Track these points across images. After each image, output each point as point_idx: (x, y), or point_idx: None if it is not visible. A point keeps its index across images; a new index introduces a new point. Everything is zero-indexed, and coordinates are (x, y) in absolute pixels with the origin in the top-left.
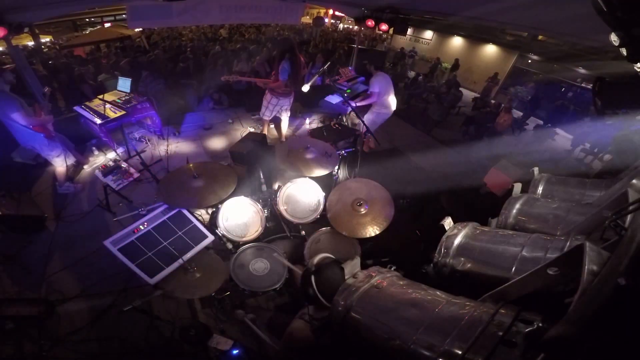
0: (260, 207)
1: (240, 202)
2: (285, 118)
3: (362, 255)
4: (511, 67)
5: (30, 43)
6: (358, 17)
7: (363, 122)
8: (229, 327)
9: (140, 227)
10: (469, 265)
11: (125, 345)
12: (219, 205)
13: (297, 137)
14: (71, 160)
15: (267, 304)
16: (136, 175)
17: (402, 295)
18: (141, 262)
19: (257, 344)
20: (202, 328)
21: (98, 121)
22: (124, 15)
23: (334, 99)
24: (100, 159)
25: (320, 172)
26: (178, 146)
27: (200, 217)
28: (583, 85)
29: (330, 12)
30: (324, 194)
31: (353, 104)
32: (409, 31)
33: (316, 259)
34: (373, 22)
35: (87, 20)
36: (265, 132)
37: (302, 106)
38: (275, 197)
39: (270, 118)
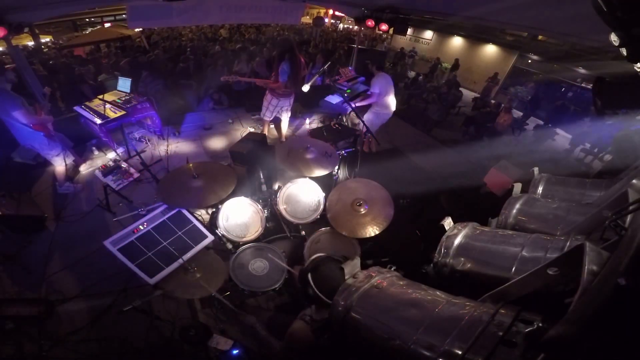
0: (260, 207)
1: (240, 202)
2: (285, 118)
3: (362, 255)
4: (511, 67)
5: (30, 43)
6: (358, 17)
7: (363, 122)
8: (229, 327)
9: (140, 227)
10: (469, 265)
11: (125, 345)
12: (219, 205)
13: (297, 137)
14: (70, 160)
15: (267, 304)
16: (136, 175)
17: (402, 295)
18: (141, 262)
19: (257, 344)
20: (202, 328)
21: (98, 121)
22: (124, 15)
23: (334, 99)
24: (100, 159)
25: (320, 172)
26: (178, 146)
27: (200, 217)
28: (583, 85)
29: (330, 12)
30: (324, 194)
31: (353, 104)
32: (409, 31)
33: (309, 260)
34: (373, 22)
35: (87, 20)
36: (266, 132)
37: (302, 106)
38: (275, 197)
39: (270, 118)
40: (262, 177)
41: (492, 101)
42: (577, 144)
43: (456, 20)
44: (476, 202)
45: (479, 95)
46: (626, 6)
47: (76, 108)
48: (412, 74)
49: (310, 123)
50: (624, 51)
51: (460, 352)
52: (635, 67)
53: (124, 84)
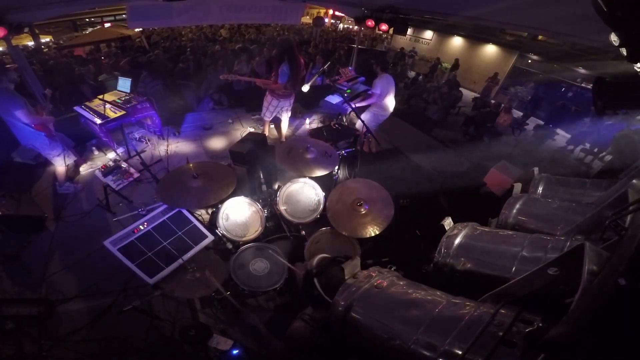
0: (260, 207)
1: (240, 202)
2: (285, 118)
3: (362, 255)
4: (511, 67)
5: (30, 43)
6: (358, 17)
7: (364, 122)
8: (229, 327)
9: (140, 227)
10: (469, 265)
11: (125, 345)
12: (219, 205)
13: (297, 137)
14: (71, 160)
15: (267, 304)
16: (136, 175)
17: (402, 295)
18: (141, 262)
19: (257, 344)
20: (202, 328)
21: (98, 121)
22: (124, 15)
23: (334, 99)
24: (100, 159)
25: (320, 172)
26: (178, 146)
27: (200, 217)
28: (583, 85)
29: (330, 12)
30: (324, 194)
31: (353, 104)
32: (409, 31)
33: (315, 260)
34: (373, 22)
35: (87, 20)
36: (266, 132)
37: (302, 106)
38: (275, 197)
39: (270, 118)
40: (262, 177)
41: (492, 101)
42: (577, 144)
43: (456, 20)
44: (476, 202)
45: (479, 95)
46: (626, 6)
47: (76, 108)
48: (412, 74)
49: (310, 123)
50: (624, 51)
51: (460, 352)
52: (635, 67)
53: (124, 84)
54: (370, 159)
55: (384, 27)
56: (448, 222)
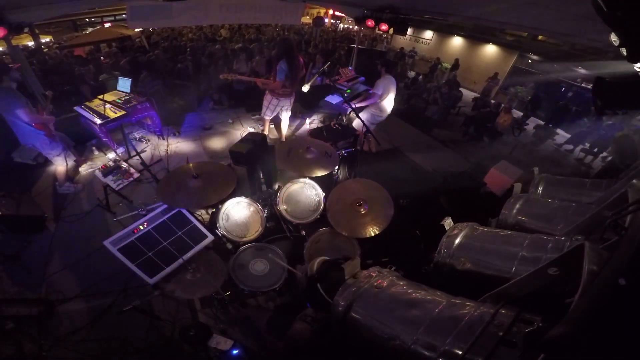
0: (260, 207)
1: (240, 202)
2: (285, 118)
3: (362, 255)
4: (511, 67)
5: (30, 43)
6: (358, 17)
7: (364, 122)
8: (229, 327)
9: (140, 227)
10: (469, 265)
11: (125, 345)
12: (219, 205)
13: (297, 137)
14: (71, 160)
15: (267, 304)
16: (136, 175)
17: (402, 295)
18: (141, 262)
19: (257, 344)
20: (202, 328)
21: (98, 121)
22: (124, 15)
23: (334, 99)
24: (100, 159)
25: (320, 172)
26: (178, 146)
27: (200, 217)
28: (583, 85)
29: (330, 12)
30: (324, 194)
31: (353, 104)
32: (409, 31)
33: (315, 265)
34: (373, 22)
35: (87, 20)
36: (266, 131)
37: (302, 106)
38: (275, 197)
39: (271, 117)
40: (262, 177)
41: (492, 101)
42: (577, 144)
43: (456, 20)
44: (476, 202)
45: (479, 95)
46: (626, 6)
47: (76, 108)
48: (412, 74)
49: (310, 123)
50: (624, 51)
51: (460, 352)
52: (635, 67)
53: (124, 84)
54: (370, 159)
55: (384, 27)
56: (448, 222)
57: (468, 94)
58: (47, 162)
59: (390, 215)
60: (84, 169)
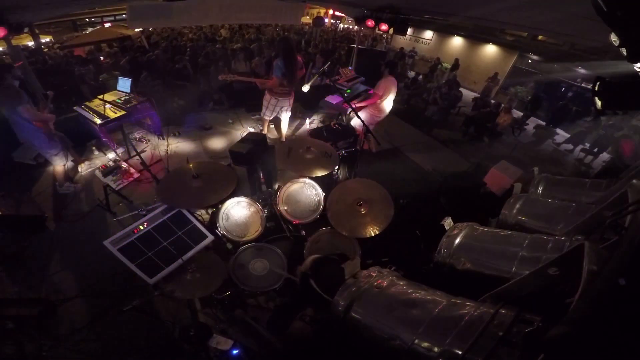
0: (260, 207)
1: (240, 202)
2: (285, 118)
3: (362, 255)
4: (511, 67)
5: (30, 43)
6: (358, 17)
7: (364, 122)
8: (229, 327)
9: (140, 227)
10: (468, 265)
11: (125, 345)
12: (219, 205)
13: (297, 137)
14: (70, 159)
15: (267, 304)
16: (136, 175)
17: (402, 295)
18: (141, 262)
19: (257, 344)
20: (202, 328)
21: (98, 121)
22: (124, 15)
23: (334, 99)
24: (100, 159)
25: (320, 172)
26: (178, 146)
27: (200, 217)
28: (583, 85)
29: (330, 12)
30: (323, 194)
31: (353, 105)
32: (409, 31)
33: (308, 262)
34: (373, 22)
35: (87, 20)
36: (266, 131)
37: (302, 106)
38: (275, 197)
39: (270, 117)
40: (262, 177)
41: (492, 101)
42: (576, 144)
43: (456, 20)
44: (476, 202)
45: (479, 95)
46: (626, 6)
47: (76, 108)
48: (412, 74)
49: (310, 123)
50: (624, 51)
51: (460, 352)
52: (635, 67)
53: (124, 84)
54: (370, 159)
55: (384, 27)
56: (448, 222)
57: (468, 94)
58: (47, 162)
59: (390, 215)
60: (84, 169)
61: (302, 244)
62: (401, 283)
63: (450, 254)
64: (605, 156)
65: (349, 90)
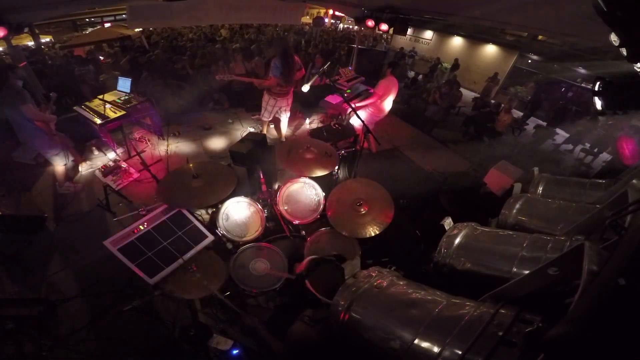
0: (260, 207)
1: (240, 202)
2: (284, 119)
3: (362, 255)
4: (511, 67)
5: (30, 43)
6: (358, 17)
7: (364, 122)
8: (229, 327)
9: (140, 227)
10: (469, 265)
11: (125, 345)
12: (219, 205)
13: (297, 137)
14: (70, 160)
15: (267, 304)
16: (136, 175)
17: (402, 295)
18: (141, 262)
19: (257, 344)
20: (202, 328)
21: (98, 121)
22: (124, 15)
23: (334, 99)
24: (100, 159)
25: (320, 172)
26: (178, 146)
27: (200, 217)
28: (583, 85)
29: (330, 12)
30: (323, 194)
31: (353, 104)
32: (409, 31)
33: (304, 263)
34: (373, 22)
35: (87, 20)
36: (265, 132)
37: (302, 106)
38: (275, 197)
39: (269, 119)
40: (262, 177)
41: (492, 101)
42: (576, 144)
43: (456, 20)
44: (476, 202)
45: (479, 95)
46: (626, 6)
47: (76, 108)
48: (412, 74)
49: (310, 123)
50: (624, 51)
51: (460, 352)
52: (635, 67)
53: (124, 84)
54: (370, 159)
55: (384, 27)
56: (448, 222)
57: (468, 94)
58: (47, 162)
59: (390, 215)
60: (84, 169)
61: (302, 244)
62: (401, 283)
63: (450, 254)
64: (605, 156)
65: (349, 90)
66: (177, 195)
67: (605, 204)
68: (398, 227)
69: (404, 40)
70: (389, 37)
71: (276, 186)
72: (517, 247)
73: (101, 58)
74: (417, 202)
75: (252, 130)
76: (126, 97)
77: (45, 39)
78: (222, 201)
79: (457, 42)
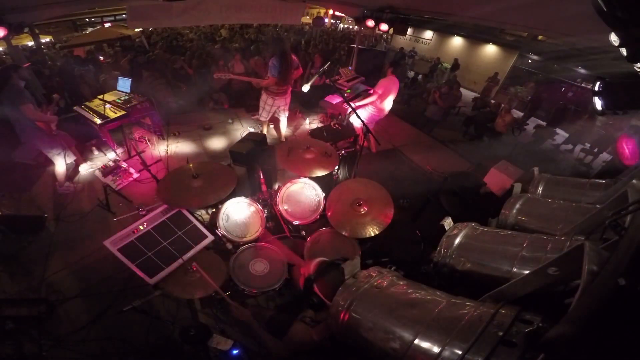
0: (260, 207)
1: (240, 202)
2: (283, 119)
3: (362, 255)
4: (511, 67)
5: (30, 43)
6: (358, 17)
7: (364, 122)
8: (229, 327)
9: (140, 227)
10: (469, 265)
11: (125, 345)
12: (219, 205)
13: (297, 137)
14: (71, 159)
15: (267, 304)
16: (136, 175)
17: (402, 295)
18: (141, 262)
19: (257, 344)
20: (202, 328)
21: (98, 121)
22: (124, 15)
23: (334, 99)
24: (100, 159)
25: (320, 172)
26: (178, 146)
27: (200, 217)
28: (583, 85)
29: (330, 12)
30: (323, 194)
31: (353, 104)
32: (409, 31)
33: (312, 265)
34: (373, 22)
35: (87, 20)
36: (265, 132)
37: (302, 106)
38: (275, 197)
39: (267, 119)
40: (262, 177)
41: (492, 101)
42: (576, 144)
43: (456, 20)
44: (476, 202)
45: (479, 95)
46: (626, 6)
47: (76, 108)
48: (412, 74)
49: (310, 123)
50: (624, 51)
51: (460, 352)
52: (635, 67)
53: (124, 84)
54: (370, 159)
55: (384, 27)
56: (448, 222)
57: (468, 94)
58: (47, 162)
59: (390, 215)
60: (84, 169)
61: (302, 244)
62: (401, 283)
63: (450, 254)
64: (605, 156)
65: (349, 90)
66: (177, 195)
67: (605, 204)
68: (398, 227)
69: (404, 40)
70: (389, 37)
71: (276, 186)
72: (517, 247)
73: (101, 58)
74: (417, 202)
75: (252, 130)
76: (126, 97)
77: (45, 39)
78: (222, 201)
79: (457, 42)
